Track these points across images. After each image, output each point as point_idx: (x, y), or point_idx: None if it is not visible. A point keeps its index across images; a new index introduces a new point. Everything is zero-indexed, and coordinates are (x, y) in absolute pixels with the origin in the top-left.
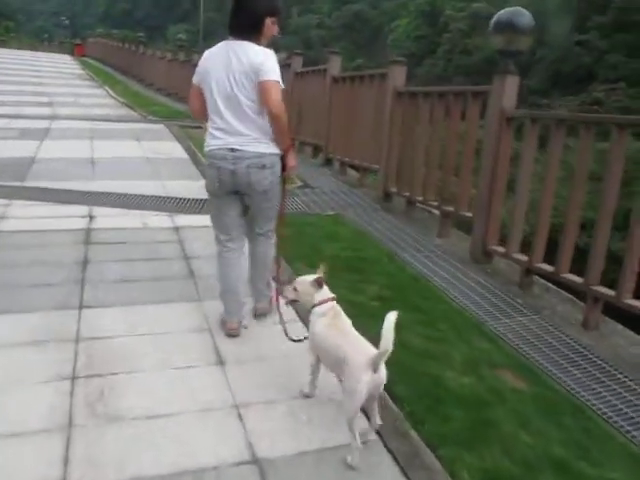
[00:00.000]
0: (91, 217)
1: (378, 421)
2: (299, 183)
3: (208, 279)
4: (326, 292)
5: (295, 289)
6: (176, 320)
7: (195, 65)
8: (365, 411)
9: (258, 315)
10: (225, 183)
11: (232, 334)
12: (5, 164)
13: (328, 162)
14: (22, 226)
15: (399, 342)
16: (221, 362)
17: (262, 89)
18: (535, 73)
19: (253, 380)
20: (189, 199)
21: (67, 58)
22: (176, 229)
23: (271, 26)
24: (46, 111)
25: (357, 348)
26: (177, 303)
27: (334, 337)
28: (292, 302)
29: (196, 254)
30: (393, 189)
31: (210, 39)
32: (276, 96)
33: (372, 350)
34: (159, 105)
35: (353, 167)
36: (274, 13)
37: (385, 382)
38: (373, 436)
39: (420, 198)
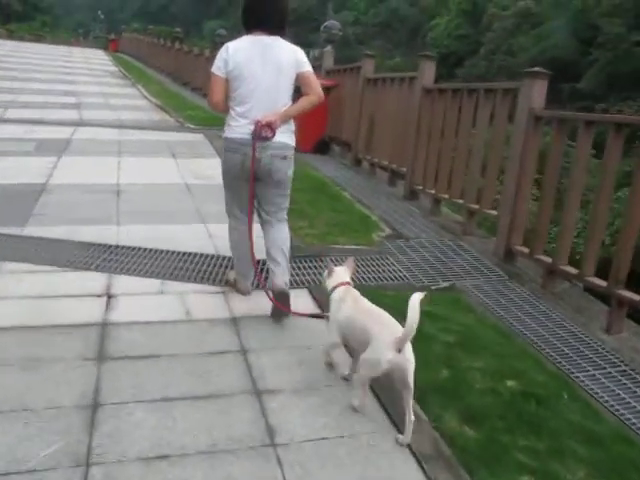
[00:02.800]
0: (109, 297)
1: (412, 417)
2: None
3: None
4: (339, 277)
5: None
6: None
7: None
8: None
9: (279, 291)
10: (248, 169)
11: (246, 293)
12: (9, 195)
13: (413, 195)
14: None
15: None
16: None
17: (305, 78)
18: (589, 76)
19: None
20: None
21: (100, 54)
22: (234, 321)
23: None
24: (71, 115)
25: (383, 327)
26: None
27: (361, 319)
28: None
29: (275, 386)
30: (521, 248)
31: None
32: (318, 83)
33: (399, 329)
34: (196, 109)
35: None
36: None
37: (413, 365)
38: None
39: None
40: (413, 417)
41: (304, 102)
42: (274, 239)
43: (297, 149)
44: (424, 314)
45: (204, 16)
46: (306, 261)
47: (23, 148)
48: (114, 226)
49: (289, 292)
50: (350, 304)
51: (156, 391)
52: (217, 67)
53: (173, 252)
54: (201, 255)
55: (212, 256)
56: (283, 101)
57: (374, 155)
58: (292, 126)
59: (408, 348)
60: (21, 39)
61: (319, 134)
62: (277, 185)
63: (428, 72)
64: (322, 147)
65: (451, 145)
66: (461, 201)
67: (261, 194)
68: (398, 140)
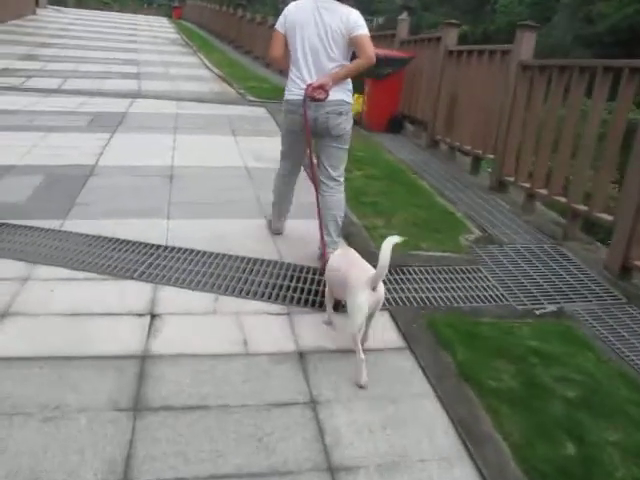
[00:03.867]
0: (152, 316)
1: (369, 336)
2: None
3: None
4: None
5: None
6: None
7: None
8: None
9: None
10: (310, 126)
11: (278, 233)
12: (54, 180)
13: (501, 186)
14: (20, 348)
15: None
16: None
17: (359, 42)
18: None
19: None
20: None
21: (164, 21)
22: (301, 357)
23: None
24: (130, 85)
25: (358, 270)
26: None
27: (339, 264)
28: None
29: (354, 460)
30: None
31: None
32: (371, 46)
33: (371, 271)
34: (258, 79)
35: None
36: None
37: (383, 299)
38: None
39: None
40: (364, 357)
41: (353, 65)
42: (329, 203)
43: (368, 128)
44: (533, 353)
45: None
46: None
47: (76, 123)
48: (163, 220)
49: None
50: (338, 253)
51: (202, 462)
52: (279, 23)
53: (230, 257)
54: (262, 262)
55: (275, 263)
56: (335, 63)
57: (454, 138)
58: (349, 85)
59: (381, 286)
60: (88, 7)
61: (392, 111)
62: (336, 140)
63: (526, 45)
64: (395, 125)
65: (552, 132)
66: (563, 200)
67: (321, 149)
68: (485, 122)
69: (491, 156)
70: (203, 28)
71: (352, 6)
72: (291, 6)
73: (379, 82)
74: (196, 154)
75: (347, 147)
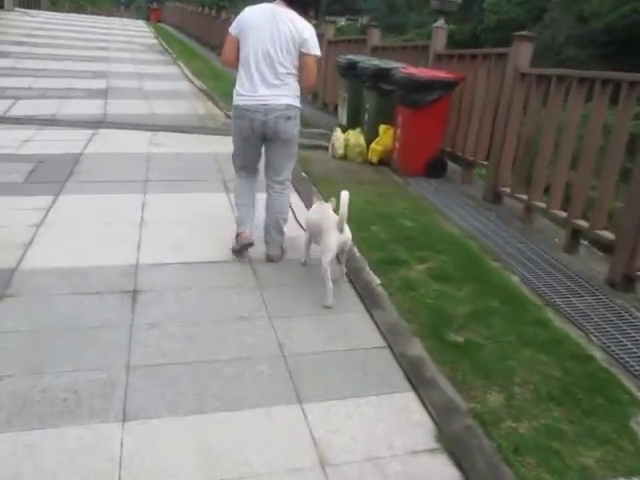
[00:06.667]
0: None
1: (344, 269)
2: None
3: None
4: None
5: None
6: None
7: None
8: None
9: (269, 261)
10: (256, 131)
11: (248, 243)
12: None
13: (497, 197)
14: None
15: None
16: None
17: (305, 62)
18: None
19: None
20: None
21: (141, 24)
22: None
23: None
24: (94, 108)
25: (328, 218)
26: None
27: (316, 215)
28: None
29: None
30: None
31: None
32: (314, 70)
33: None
34: None
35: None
36: (318, 8)
37: (350, 240)
38: (344, 280)
39: None
40: (346, 269)
41: (304, 88)
42: (274, 205)
43: (402, 171)
44: None
45: None
46: None
47: (9, 177)
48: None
49: (278, 259)
50: (314, 207)
51: None
52: (233, 26)
53: None
54: None
55: None
56: (286, 70)
57: (534, 195)
58: (297, 91)
59: (347, 229)
60: (62, 9)
61: (434, 149)
62: (284, 143)
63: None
64: (437, 168)
65: None
66: None
67: (269, 152)
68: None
69: (608, 235)
70: (183, 31)
71: (310, 20)
72: (247, 10)
73: (419, 112)
74: (175, 238)
75: (295, 151)
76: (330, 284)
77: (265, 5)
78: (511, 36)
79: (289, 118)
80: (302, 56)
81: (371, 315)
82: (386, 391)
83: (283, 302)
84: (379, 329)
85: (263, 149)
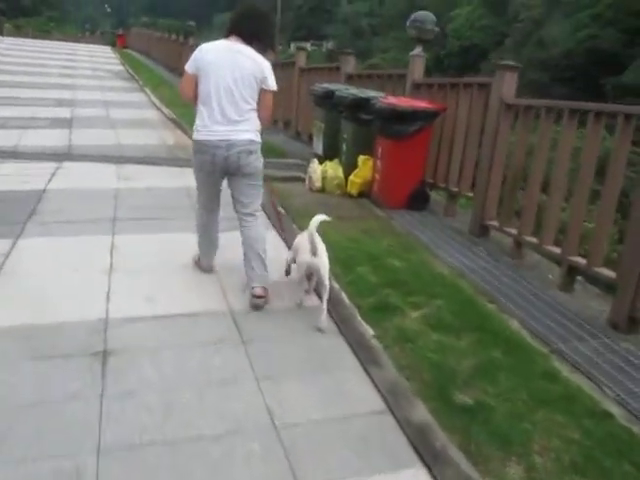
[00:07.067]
0: None
1: (325, 306)
2: None
3: None
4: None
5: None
6: None
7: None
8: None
9: (253, 306)
10: (218, 166)
11: (207, 271)
12: None
13: (484, 230)
14: None
15: None
16: None
17: (264, 97)
18: (633, 68)
19: None
20: None
21: (108, 50)
22: None
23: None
24: (58, 139)
25: (303, 241)
26: None
27: (299, 241)
28: None
29: None
30: None
31: None
32: (271, 105)
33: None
34: None
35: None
36: (273, 48)
37: (325, 266)
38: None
39: None
40: (325, 307)
41: (261, 121)
42: (249, 237)
43: (383, 204)
44: None
45: (214, 9)
46: None
47: None
48: None
49: (264, 304)
50: (300, 234)
51: None
52: (189, 65)
53: None
54: None
55: None
56: (248, 106)
57: (524, 229)
58: (258, 126)
59: (322, 253)
60: (26, 35)
61: (415, 181)
62: (248, 177)
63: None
64: (419, 200)
65: None
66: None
67: (234, 187)
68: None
69: (609, 273)
70: (150, 57)
71: (269, 54)
72: (203, 47)
73: (400, 143)
74: (147, 286)
75: (260, 184)
76: (324, 305)
77: (221, 42)
78: (476, 61)
79: (251, 152)
80: (262, 92)
81: (367, 372)
82: (393, 467)
83: (270, 359)
84: (377, 389)
85: (225, 184)
